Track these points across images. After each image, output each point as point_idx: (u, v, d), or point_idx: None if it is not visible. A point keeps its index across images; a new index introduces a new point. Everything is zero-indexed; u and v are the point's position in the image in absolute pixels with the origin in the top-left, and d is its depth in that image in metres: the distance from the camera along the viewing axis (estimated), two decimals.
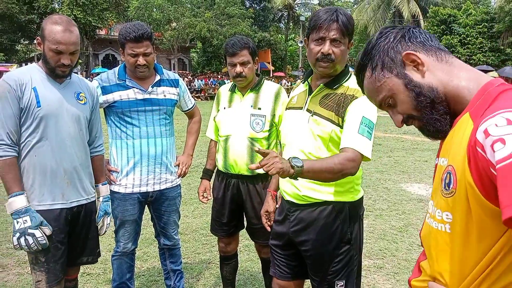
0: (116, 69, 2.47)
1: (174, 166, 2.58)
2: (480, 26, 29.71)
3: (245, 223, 2.63)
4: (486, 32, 29.71)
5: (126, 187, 2.43)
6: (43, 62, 2.01)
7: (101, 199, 2.29)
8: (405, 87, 1.00)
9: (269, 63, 31.42)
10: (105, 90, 2.38)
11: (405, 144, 9.36)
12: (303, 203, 1.86)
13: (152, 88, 2.43)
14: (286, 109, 2.04)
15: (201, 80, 28.61)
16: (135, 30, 2.25)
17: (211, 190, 2.64)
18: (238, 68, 2.36)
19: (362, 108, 1.74)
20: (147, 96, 2.41)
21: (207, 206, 4.06)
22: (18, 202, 1.91)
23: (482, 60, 28.57)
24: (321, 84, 1.86)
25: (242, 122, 2.41)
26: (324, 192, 1.82)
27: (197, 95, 25.41)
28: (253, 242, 2.74)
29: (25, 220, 1.89)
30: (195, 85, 26.99)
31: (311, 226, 1.85)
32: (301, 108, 1.91)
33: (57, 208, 2.04)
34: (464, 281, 0.90)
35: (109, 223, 2.31)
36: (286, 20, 41.21)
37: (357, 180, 1.88)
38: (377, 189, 5.64)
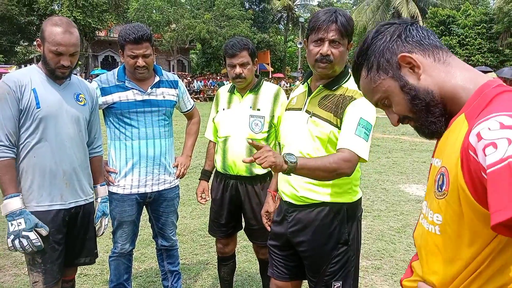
0: (116, 70, 2.47)
1: (173, 167, 2.58)
2: (479, 27, 29.78)
3: (243, 224, 2.64)
4: (485, 33, 29.78)
5: (124, 188, 2.44)
6: (43, 63, 2.02)
7: (99, 200, 2.29)
8: (401, 90, 0.99)
9: (268, 64, 31.45)
10: (104, 91, 2.39)
11: (404, 145, 9.37)
12: (301, 204, 1.87)
13: (152, 89, 2.44)
14: (286, 110, 2.04)
15: (200, 81, 28.60)
16: (135, 31, 2.26)
17: (210, 191, 2.65)
18: (238, 69, 2.37)
19: (360, 109, 1.75)
20: (146, 97, 2.42)
21: (205, 207, 4.07)
22: (13, 204, 1.90)
23: (481, 61, 28.62)
24: (320, 85, 1.86)
25: (241, 123, 2.42)
26: (322, 193, 1.83)
27: (196, 96, 25.40)
28: (251, 243, 2.74)
29: (20, 223, 1.89)
30: (194, 86, 26.98)
31: (308, 227, 1.85)
32: (300, 109, 1.91)
33: (55, 209, 2.04)
34: (452, 283, 0.90)
35: (107, 224, 2.32)
36: (285, 22, 41.24)
37: (355, 181, 1.88)
38: (375, 190, 5.65)
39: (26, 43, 31.97)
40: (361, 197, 1.95)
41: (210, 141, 2.68)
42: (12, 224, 1.89)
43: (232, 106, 2.50)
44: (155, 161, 2.46)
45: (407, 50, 0.99)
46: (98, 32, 30.49)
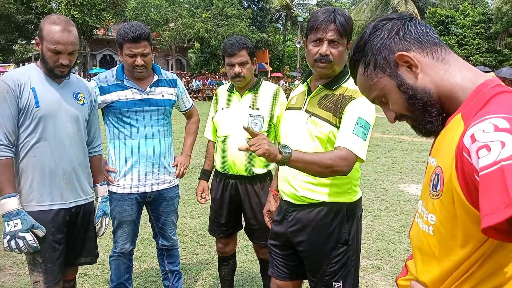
0: (114, 69, 2.46)
1: (172, 167, 2.57)
2: (478, 27, 29.85)
3: (243, 223, 2.63)
4: (483, 33, 29.85)
5: (124, 188, 2.43)
6: (41, 62, 2.01)
7: (99, 199, 2.28)
8: (398, 89, 0.98)
9: (267, 63, 31.45)
10: (103, 90, 2.38)
11: (403, 144, 9.38)
12: (301, 203, 1.86)
13: (150, 88, 2.43)
14: (286, 109, 2.04)
15: (199, 81, 28.59)
16: (133, 30, 2.25)
17: (209, 190, 2.64)
18: (237, 69, 2.36)
19: (358, 108, 1.74)
20: (145, 96, 2.41)
21: (205, 206, 4.06)
22: (10, 204, 1.89)
23: (479, 61, 28.69)
24: (320, 85, 1.86)
25: (240, 123, 2.41)
26: (321, 193, 1.82)
27: (195, 95, 25.38)
28: (251, 243, 2.74)
29: (16, 223, 1.87)
30: (193, 86, 26.96)
31: (308, 227, 1.85)
32: (300, 108, 1.91)
33: (56, 208, 2.03)
34: (443, 283, 0.90)
35: (107, 224, 2.31)
36: (284, 21, 41.24)
37: (355, 181, 1.88)
38: (375, 189, 5.65)
39: (24, 42, 31.93)
40: (361, 197, 1.94)
41: (209, 140, 2.67)
42: (8, 225, 1.88)
43: (231, 105, 2.49)
44: (155, 161, 2.45)
45: (405, 48, 0.97)
46: (96, 31, 30.46)
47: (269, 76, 30.96)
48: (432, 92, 0.95)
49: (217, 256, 2.77)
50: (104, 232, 2.31)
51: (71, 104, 2.07)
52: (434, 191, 0.90)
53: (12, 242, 1.88)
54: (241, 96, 2.47)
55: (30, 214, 1.95)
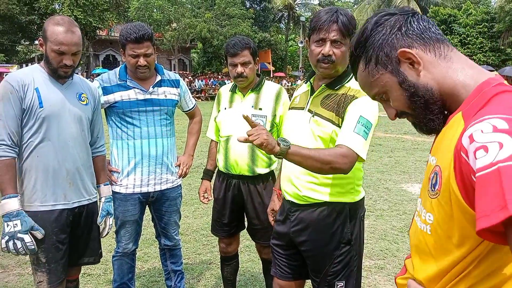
0: (117, 69, 2.47)
1: (175, 167, 2.58)
2: (480, 26, 29.75)
3: (246, 223, 2.64)
4: (486, 32, 29.75)
5: (127, 188, 2.44)
6: (45, 63, 2.02)
7: (103, 199, 2.29)
8: (399, 86, 0.97)
9: (269, 63, 31.46)
10: (106, 91, 2.39)
11: (406, 144, 9.36)
12: (304, 203, 1.86)
13: (153, 88, 2.44)
14: (289, 109, 2.04)
15: (202, 81, 28.61)
16: (136, 31, 2.26)
17: (212, 190, 2.64)
18: (239, 69, 2.36)
19: (360, 107, 1.73)
20: (148, 96, 2.42)
21: (207, 206, 4.06)
22: (11, 204, 1.89)
23: (482, 60, 28.59)
24: (323, 85, 1.86)
25: (243, 123, 2.40)
26: (324, 193, 1.82)
27: (197, 95, 25.39)
28: (254, 243, 2.74)
29: (16, 224, 1.88)
30: (195, 86, 26.98)
31: (311, 227, 1.85)
32: (302, 108, 1.91)
33: (59, 208, 2.04)
34: (439, 282, 0.89)
35: (111, 224, 2.32)
36: (286, 21, 41.22)
37: (358, 181, 1.88)
38: (378, 189, 5.64)
39: (27, 42, 32.01)
40: (363, 197, 1.94)
41: (212, 140, 2.67)
42: (8, 225, 1.88)
43: (233, 105, 2.49)
44: (158, 161, 2.46)
45: (407, 45, 0.95)
46: (99, 31, 30.51)
47: (271, 75, 30.97)
48: (434, 89, 0.94)
49: (219, 256, 2.77)
50: (108, 233, 2.32)
51: (74, 105, 2.08)
52: (432, 190, 0.89)
53: (10, 243, 1.88)
54: (244, 96, 2.47)
55: (33, 214, 1.96)
